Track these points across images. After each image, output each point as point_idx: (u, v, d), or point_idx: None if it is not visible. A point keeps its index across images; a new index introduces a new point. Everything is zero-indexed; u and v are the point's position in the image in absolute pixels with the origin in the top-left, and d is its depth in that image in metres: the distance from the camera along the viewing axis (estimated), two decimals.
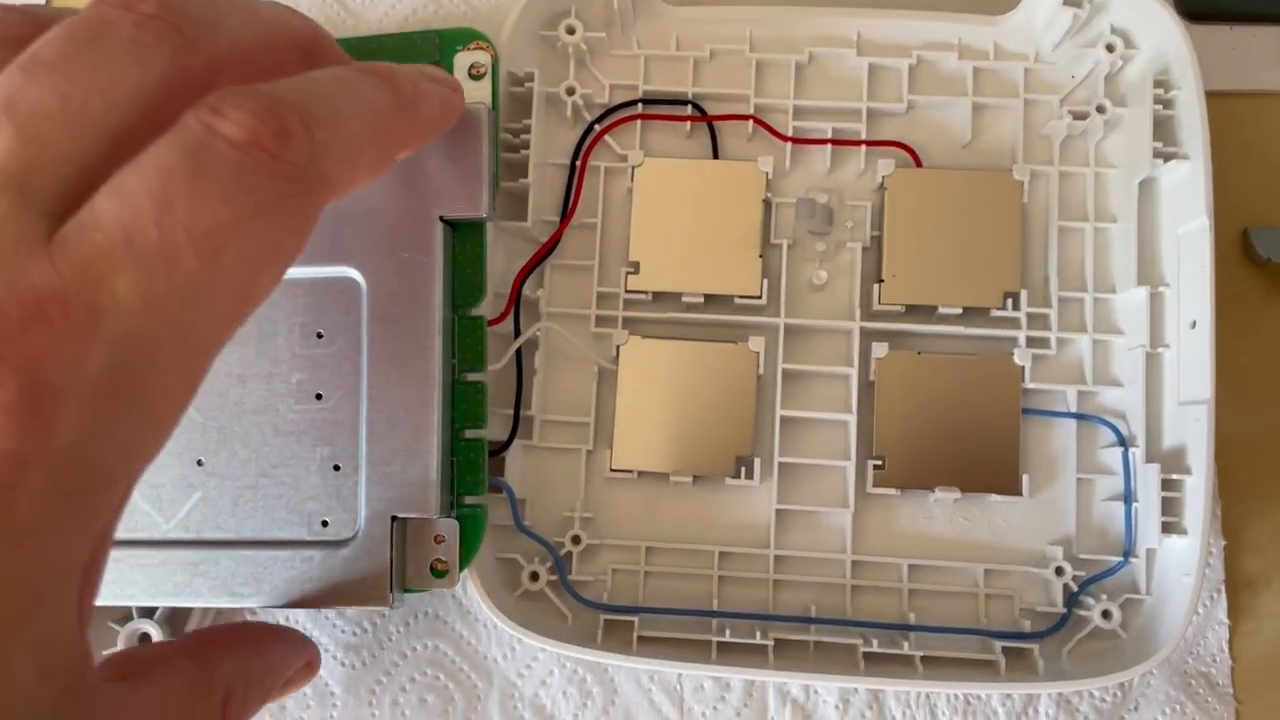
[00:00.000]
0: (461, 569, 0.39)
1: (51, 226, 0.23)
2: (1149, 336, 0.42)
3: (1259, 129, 0.46)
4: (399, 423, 0.37)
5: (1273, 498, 0.44)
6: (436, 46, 0.40)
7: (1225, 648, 0.43)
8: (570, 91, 0.44)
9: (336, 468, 0.38)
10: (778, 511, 0.43)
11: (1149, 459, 0.41)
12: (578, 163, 0.44)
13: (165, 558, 0.38)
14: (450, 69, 0.40)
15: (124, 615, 0.41)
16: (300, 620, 0.43)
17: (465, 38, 0.40)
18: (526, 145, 0.43)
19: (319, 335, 0.38)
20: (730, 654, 0.41)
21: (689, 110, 0.45)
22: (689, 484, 0.43)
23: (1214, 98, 0.41)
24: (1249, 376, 0.45)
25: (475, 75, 0.40)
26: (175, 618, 0.41)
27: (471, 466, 0.39)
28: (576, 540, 0.42)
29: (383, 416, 0.37)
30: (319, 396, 0.38)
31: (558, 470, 0.43)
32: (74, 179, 0.23)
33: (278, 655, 0.35)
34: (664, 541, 0.43)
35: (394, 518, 0.37)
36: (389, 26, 0.46)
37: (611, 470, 0.43)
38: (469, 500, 0.39)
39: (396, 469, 0.37)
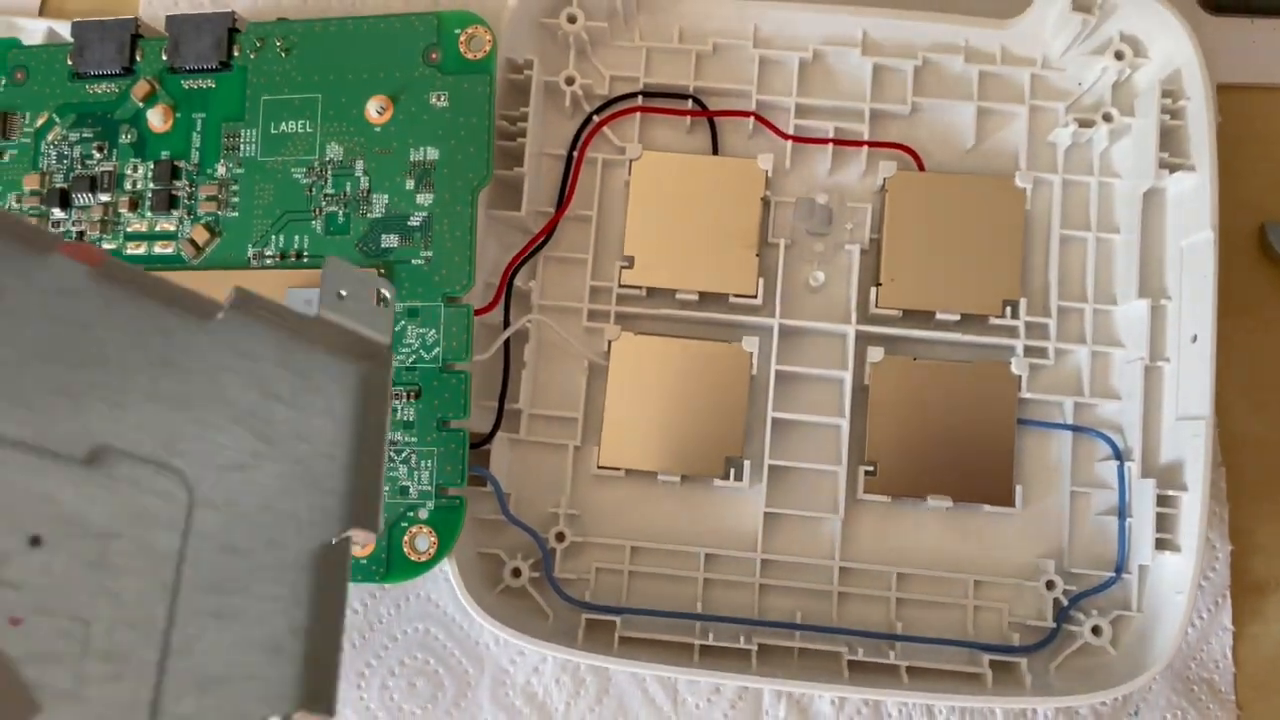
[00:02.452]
0: (436, 562, 0.38)
1: None
2: (1149, 349, 0.41)
3: (1278, 123, 0.46)
4: None
5: None
6: (434, 28, 0.40)
7: (1229, 654, 0.42)
8: (570, 81, 0.44)
9: None
10: (766, 515, 0.42)
11: (1145, 474, 0.41)
12: (574, 154, 0.44)
13: None
14: (449, 51, 0.40)
15: None
16: None
17: (464, 21, 0.40)
18: (523, 134, 0.42)
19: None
20: (714, 658, 0.40)
21: (690, 104, 0.44)
22: (677, 484, 0.42)
23: (1233, 90, 0.41)
24: (1263, 375, 0.44)
25: (473, 59, 0.39)
26: None
27: (452, 458, 0.38)
28: (561, 537, 0.42)
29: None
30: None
31: (543, 465, 0.43)
32: None
33: None
34: (650, 541, 0.42)
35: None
36: (393, 7, 0.45)
37: (599, 467, 0.42)
38: (450, 491, 0.38)
39: None
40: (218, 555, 0.28)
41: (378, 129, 0.40)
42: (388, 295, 0.33)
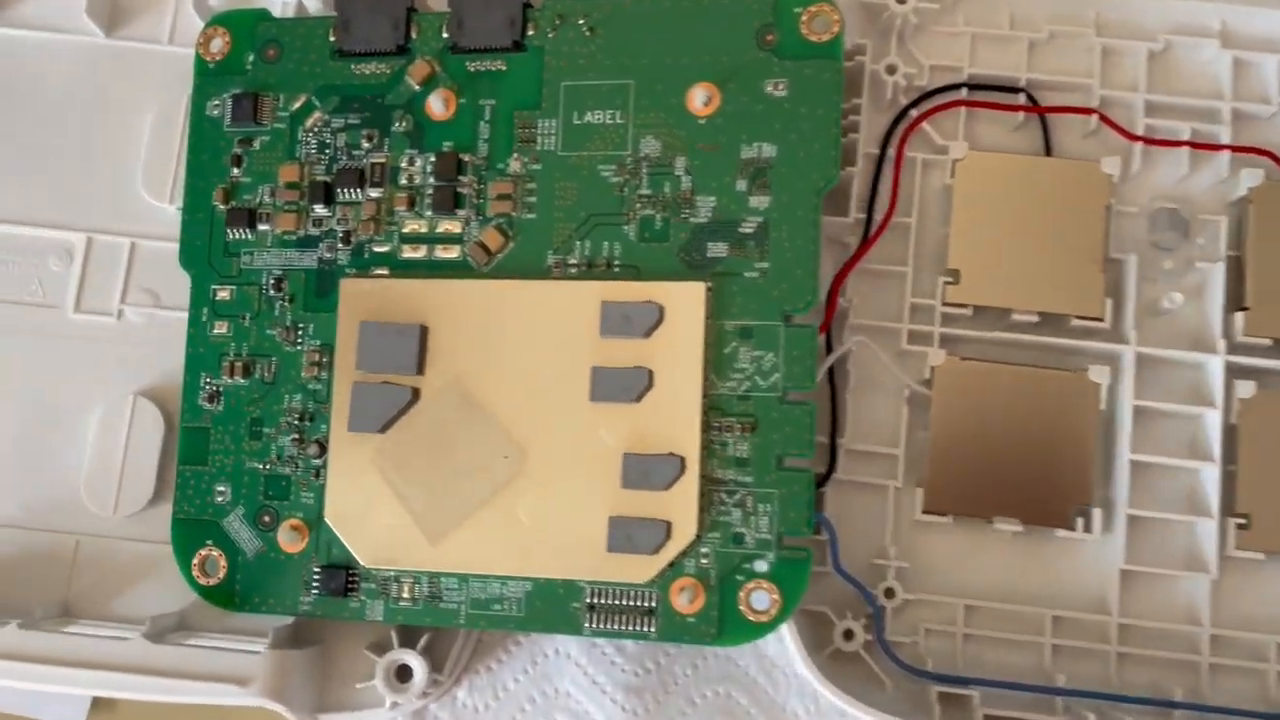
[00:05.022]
0: (780, 623, 0.33)
1: None
2: None
3: None
4: None
5: None
6: (770, 7, 0.34)
7: None
8: (891, 70, 0.38)
9: None
10: (1123, 572, 0.36)
11: None
12: (892, 152, 0.38)
13: None
14: (788, 32, 0.34)
15: (381, 642, 0.35)
16: (573, 653, 0.37)
17: None
18: (855, 128, 0.36)
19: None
20: None
21: (1021, 99, 0.39)
22: (1015, 533, 0.37)
23: None
24: None
25: (817, 42, 0.34)
26: (436, 647, 0.35)
27: (795, 502, 0.33)
28: (890, 593, 0.36)
29: None
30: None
31: (862, 508, 0.37)
32: None
33: None
34: (985, 599, 0.37)
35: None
36: None
37: (923, 512, 0.37)
38: (790, 541, 0.33)
39: None
40: None
41: (702, 121, 0.35)
42: None
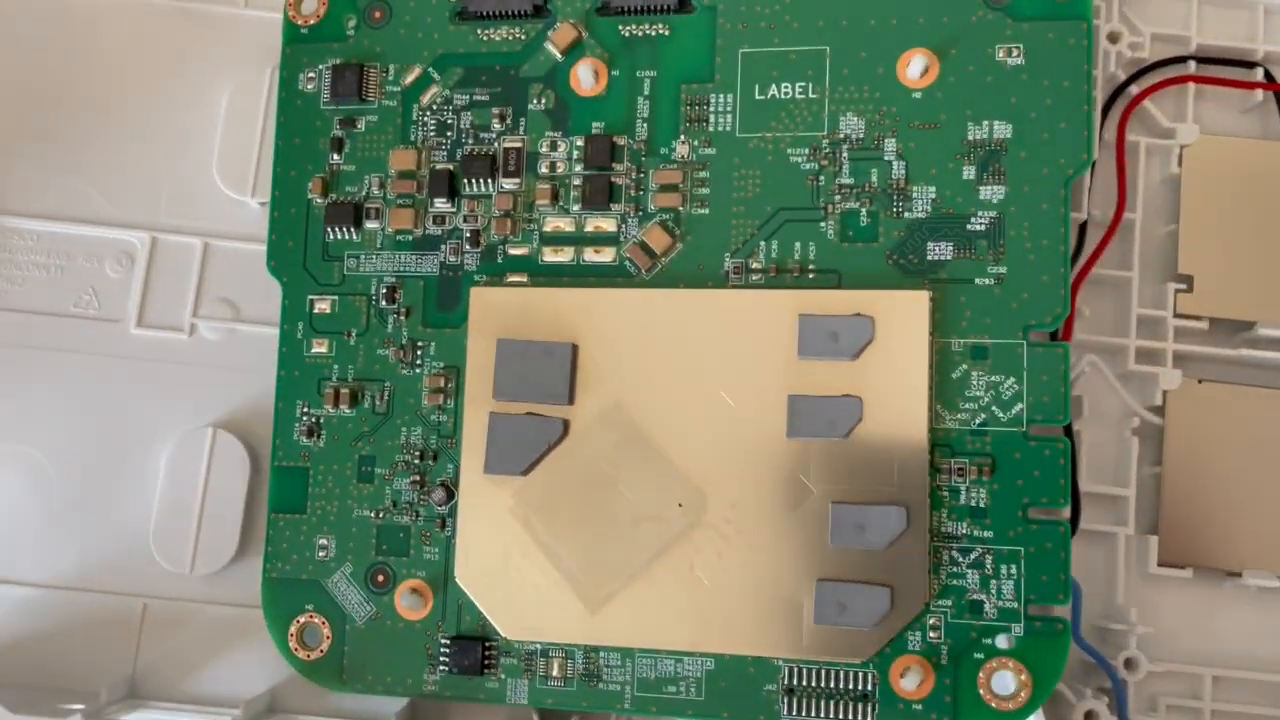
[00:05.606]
0: (1031, 711, 0.27)
1: None
2: None
3: None
4: None
5: None
6: None
7: None
8: (1114, 38, 0.33)
9: None
10: None
11: None
12: (1114, 135, 0.33)
13: None
14: None
15: None
16: None
17: None
18: None
19: None
20: None
21: (1258, 75, 0.33)
22: (1268, 588, 0.31)
23: None
24: None
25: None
26: None
27: (1048, 561, 0.27)
28: (1130, 664, 0.30)
29: None
30: None
31: (1086, 561, 0.32)
32: None
33: None
34: (1234, 668, 0.31)
35: None
36: None
37: (1159, 565, 0.31)
38: (1036, 610, 0.27)
39: None
40: None
41: (918, 95, 0.29)
42: None
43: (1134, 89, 0.33)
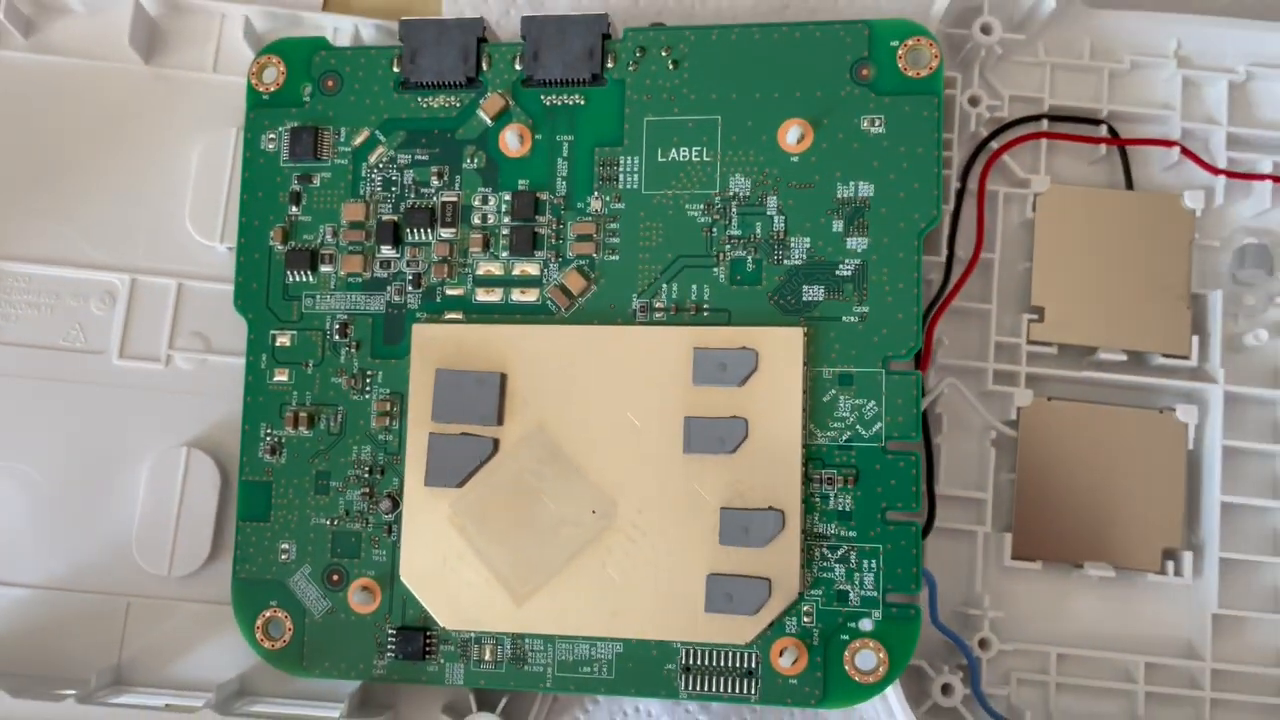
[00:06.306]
0: (887, 684, 0.32)
1: None
2: None
3: None
4: None
5: None
6: (865, 39, 0.33)
7: None
8: (974, 101, 0.37)
9: None
10: (1214, 616, 0.36)
11: None
12: (973, 185, 0.37)
13: None
14: (885, 67, 0.33)
15: (457, 704, 0.34)
16: (654, 711, 0.36)
17: (903, 31, 0.33)
18: (945, 163, 0.35)
19: None
20: None
21: (1102, 131, 0.38)
22: (1106, 577, 0.36)
23: None
24: None
25: (915, 77, 0.33)
26: (513, 707, 0.34)
27: (901, 557, 0.32)
28: (984, 644, 0.35)
29: None
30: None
31: (949, 555, 0.36)
32: None
33: None
34: (1076, 647, 0.36)
35: None
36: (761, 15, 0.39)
37: (1012, 558, 0.36)
38: (894, 597, 0.32)
39: None
40: None
41: (795, 159, 0.33)
42: None
43: (994, 144, 0.38)
